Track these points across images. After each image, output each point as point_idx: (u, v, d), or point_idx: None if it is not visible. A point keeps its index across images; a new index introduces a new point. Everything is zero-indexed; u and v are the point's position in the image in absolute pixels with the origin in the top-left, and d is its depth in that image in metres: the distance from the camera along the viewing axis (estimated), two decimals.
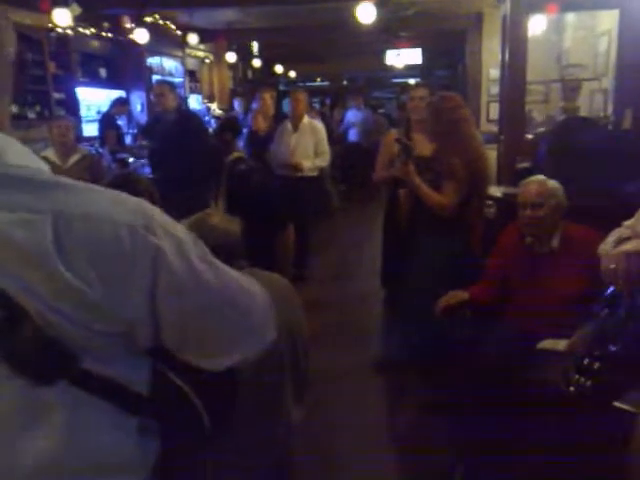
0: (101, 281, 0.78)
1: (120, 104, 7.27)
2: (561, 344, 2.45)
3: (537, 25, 5.16)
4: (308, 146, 5.27)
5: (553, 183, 2.64)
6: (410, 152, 3.06)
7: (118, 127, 7.29)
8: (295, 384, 1.98)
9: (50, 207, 0.77)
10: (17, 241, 0.74)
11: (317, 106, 12.90)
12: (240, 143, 5.41)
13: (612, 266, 1.74)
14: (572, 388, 2.02)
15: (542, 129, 5.54)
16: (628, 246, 1.75)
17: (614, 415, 1.85)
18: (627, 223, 1.85)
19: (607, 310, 2.07)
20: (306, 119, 5.38)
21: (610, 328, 2.02)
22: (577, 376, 2.02)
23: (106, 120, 7.00)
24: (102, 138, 6.54)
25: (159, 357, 0.93)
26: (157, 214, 0.87)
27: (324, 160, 5.42)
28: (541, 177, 2.68)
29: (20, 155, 0.81)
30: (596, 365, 1.99)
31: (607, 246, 1.83)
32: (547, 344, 2.50)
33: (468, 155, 2.98)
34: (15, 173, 0.78)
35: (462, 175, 2.94)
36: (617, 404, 1.88)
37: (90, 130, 7.08)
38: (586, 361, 2.02)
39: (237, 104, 8.75)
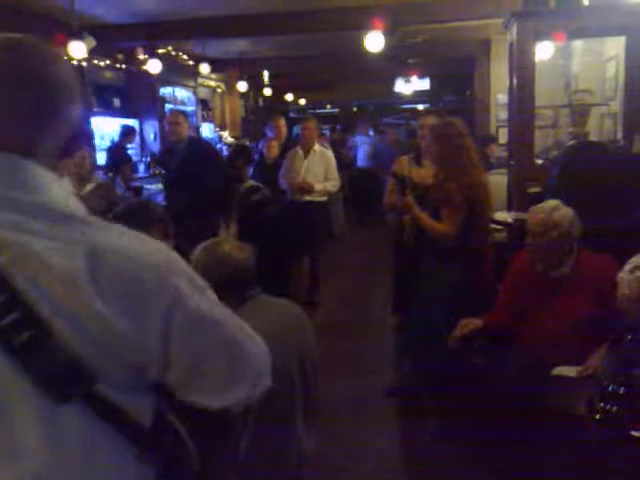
0: (126, 312, 0.85)
1: (130, 133, 7.40)
2: (575, 371, 2.43)
3: (544, 51, 5.20)
4: (318, 172, 5.36)
5: (561, 213, 2.56)
6: (405, 185, 3.10)
7: (130, 158, 7.41)
8: (306, 410, 1.97)
9: (86, 241, 0.85)
10: (54, 266, 0.82)
11: (327, 132, 13.04)
12: (250, 170, 5.49)
13: (626, 292, 1.73)
14: (597, 416, 1.97)
15: (554, 153, 5.56)
16: None
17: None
18: None
19: (629, 335, 2.04)
20: (317, 146, 5.48)
21: (634, 353, 1.99)
22: (602, 403, 1.97)
23: (118, 151, 7.10)
24: (116, 167, 6.63)
25: (160, 394, 0.97)
26: (176, 257, 0.95)
27: (334, 186, 5.50)
28: (552, 205, 2.61)
29: (62, 192, 0.90)
30: (621, 391, 1.95)
31: (624, 274, 1.83)
32: (561, 371, 2.48)
33: (465, 181, 2.98)
34: (57, 208, 0.87)
35: (458, 200, 2.95)
36: (636, 434, 1.84)
37: (104, 159, 7.19)
38: (611, 388, 1.98)
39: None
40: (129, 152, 7.46)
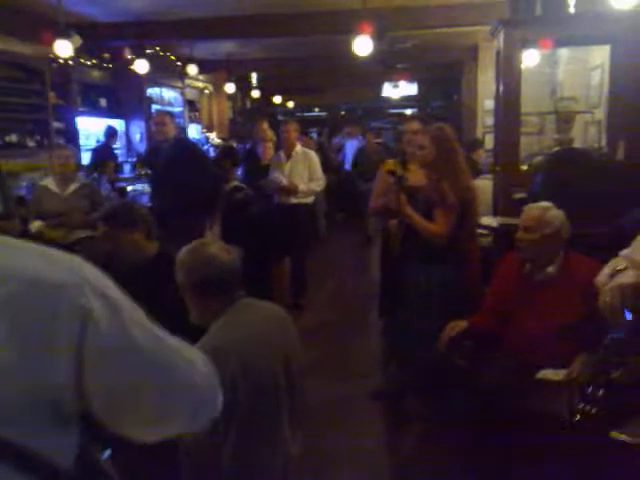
0: (23, 344, 0.74)
1: (114, 134, 7.41)
2: (560, 374, 2.45)
3: (531, 59, 5.25)
4: (302, 173, 5.37)
5: (554, 213, 2.67)
6: (403, 184, 3.11)
7: (116, 157, 7.37)
8: (291, 413, 1.96)
9: None
10: None
11: (315, 136, 13.03)
12: (238, 171, 5.49)
13: (607, 299, 1.73)
14: (577, 417, 1.99)
15: (539, 158, 5.61)
16: (623, 279, 1.75)
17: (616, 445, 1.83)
18: (623, 253, 1.86)
19: (609, 337, 2.06)
20: (299, 147, 5.49)
21: (612, 356, 2.01)
22: (582, 404, 2.00)
23: (103, 150, 7.07)
24: (101, 166, 6.60)
25: (88, 425, 0.87)
26: (94, 275, 0.84)
27: (319, 186, 5.51)
28: (546, 205, 2.71)
29: None
30: (600, 392, 1.97)
31: (602, 278, 1.83)
32: (546, 374, 2.50)
33: (459, 183, 3.06)
34: None
35: (452, 201, 3.00)
36: (615, 434, 1.86)
37: (89, 159, 7.15)
38: (590, 389, 2.01)
39: None
40: (115, 152, 7.44)
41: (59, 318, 0.76)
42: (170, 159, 4.58)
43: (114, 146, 7.52)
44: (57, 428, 0.81)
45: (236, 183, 4.41)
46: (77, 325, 0.77)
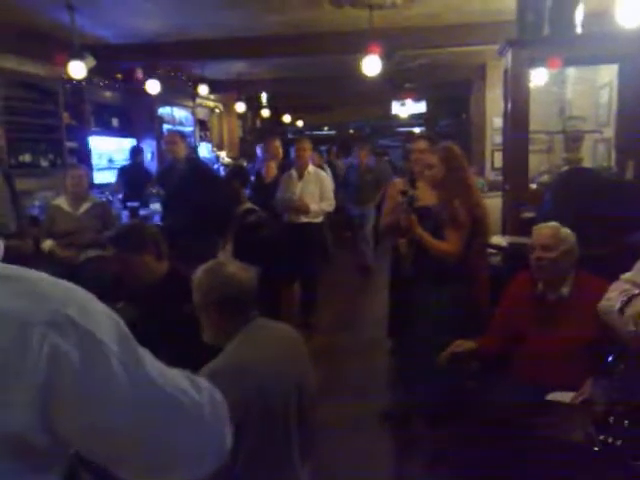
0: None
1: (140, 152, 7.52)
2: (569, 396, 2.42)
3: (538, 78, 5.28)
4: (314, 193, 5.37)
5: (566, 231, 2.68)
6: (414, 204, 3.12)
7: (150, 174, 7.47)
8: (302, 439, 1.94)
9: None
10: None
11: (324, 154, 13.11)
12: (246, 191, 5.51)
13: (631, 328, 1.69)
14: (597, 448, 1.93)
15: (545, 177, 5.61)
16: None
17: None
18: (625, 277, 1.83)
19: (622, 365, 2.01)
20: (311, 167, 5.49)
21: (630, 382, 1.95)
22: (603, 436, 1.93)
23: (133, 169, 7.18)
24: (132, 185, 6.69)
25: (79, 461, 0.82)
26: (81, 311, 0.76)
27: (330, 206, 5.51)
28: (554, 224, 2.72)
29: None
30: (626, 423, 1.90)
31: (612, 303, 1.80)
32: (555, 396, 2.47)
33: (471, 201, 3.07)
34: None
35: (464, 220, 3.00)
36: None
37: (101, 178, 7.23)
38: (612, 419, 1.94)
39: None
40: (147, 169, 7.55)
41: (26, 356, 0.70)
42: (184, 179, 4.63)
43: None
44: (29, 469, 0.75)
45: (249, 205, 4.43)
46: (43, 365, 0.71)
